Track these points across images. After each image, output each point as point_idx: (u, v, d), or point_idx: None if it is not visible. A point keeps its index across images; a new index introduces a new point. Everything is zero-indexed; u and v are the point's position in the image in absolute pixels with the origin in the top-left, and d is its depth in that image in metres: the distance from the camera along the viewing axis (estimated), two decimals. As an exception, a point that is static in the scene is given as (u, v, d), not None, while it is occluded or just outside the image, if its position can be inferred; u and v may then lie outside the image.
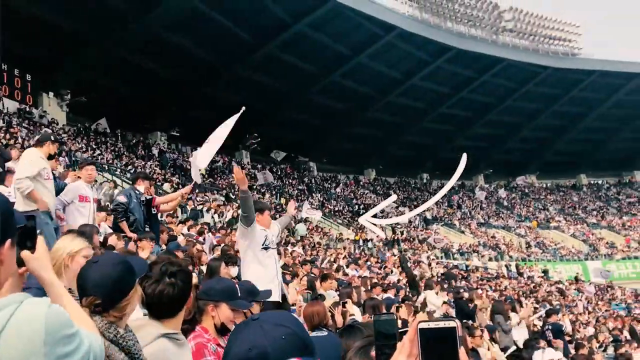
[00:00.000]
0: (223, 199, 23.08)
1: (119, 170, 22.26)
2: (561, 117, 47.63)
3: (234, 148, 38.40)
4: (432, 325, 0.85)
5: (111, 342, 1.88)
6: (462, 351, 0.83)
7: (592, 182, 56.06)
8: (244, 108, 7.22)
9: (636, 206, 50.98)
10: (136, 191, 7.14)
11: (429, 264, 22.95)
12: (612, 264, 38.39)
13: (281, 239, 13.42)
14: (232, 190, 27.46)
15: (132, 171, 21.60)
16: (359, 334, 2.05)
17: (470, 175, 52.01)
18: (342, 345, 1.95)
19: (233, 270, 7.16)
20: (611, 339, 15.91)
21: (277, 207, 27.98)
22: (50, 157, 5.96)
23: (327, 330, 4.27)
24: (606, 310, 24.03)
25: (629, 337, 16.94)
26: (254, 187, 31.10)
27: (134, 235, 6.63)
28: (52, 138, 6.19)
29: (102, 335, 1.85)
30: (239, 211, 5.47)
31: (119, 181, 18.94)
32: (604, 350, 13.49)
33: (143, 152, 28.43)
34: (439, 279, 17.00)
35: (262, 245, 5.25)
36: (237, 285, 3.27)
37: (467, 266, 28.04)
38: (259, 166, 37.35)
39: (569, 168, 53.59)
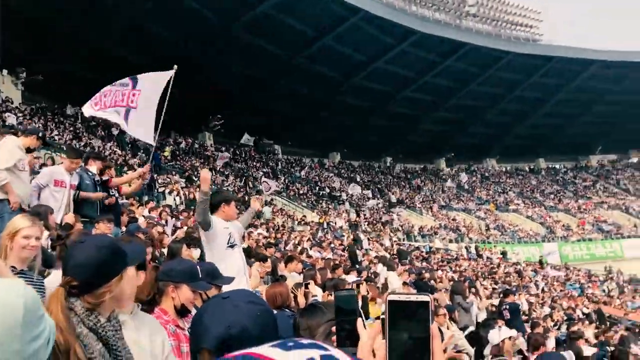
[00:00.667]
0: (185, 180, 22.80)
1: (77, 151, 21.69)
2: (522, 102, 48.48)
3: (197, 130, 37.91)
4: (402, 298, 0.81)
5: (90, 330, 1.80)
6: (434, 326, 0.80)
7: (550, 166, 57.52)
8: (175, 67, 7.03)
9: (591, 190, 52.60)
10: (88, 172, 6.91)
11: (392, 246, 23.23)
12: (568, 245, 39.65)
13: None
14: (195, 173, 27.16)
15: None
16: (320, 313, 2.04)
17: (432, 158, 52.68)
18: (304, 325, 1.95)
19: (195, 253, 7.09)
20: (565, 317, 16.46)
21: (240, 190, 27.84)
22: (28, 150, 5.96)
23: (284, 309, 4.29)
24: (561, 291, 24.84)
25: (581, 316, 17.57)
26: (217, 169, 30.84)
27: (101, 195, 6.65)
28: (40, 135, 6.26)
29: (81, 323, 1.79)
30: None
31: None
32: (558, 329, 13.94)
33: (103, 132, 27.78)
34: (393, 257, 17.32)
35: (227, 244, 5.04)
36: (198, 267, 3.24)
37: (430, 247, 28.52)
38: (223, 148, 36.99)
39: (528, 152, 54.82)
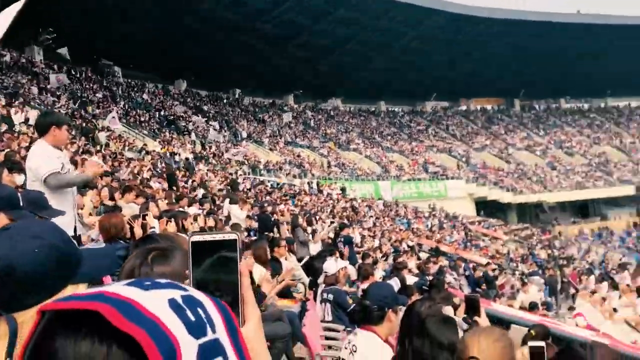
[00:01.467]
0: (5, 98, 20.45)
1: None
2: (368, 45, 50.00)
3: (25, 43, 33.94)
4: (207, 238, 0.76)
5: None
6: (242, 264, 0.76)
7: (389, 109, 60.85)
8: None
9: (424, 133, 56.86)
10: None
11: (236, 179, 23.23)
12: (399, 184, 42.78)
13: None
14: (21, 90, 24.59)
15: None
16: (154, 243, 1.95)
17: (281, 94, 52.96)
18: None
19: (18, 179, 6.46)
20: (392, 249, 17.91)
21: (75, 113, 25.73)
22: None
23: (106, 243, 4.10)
24: (390, 225, 26.91)
25: (407, 248, 19.23)
26: (48, 89, 28.14)
27: None
28: None
29: None
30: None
31: None
32: (386, 260, 15.11)
33: None
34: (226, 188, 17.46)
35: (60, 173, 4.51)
36: (19, 194, 2.92)
37: (278, 183, 29.03)
38: (55, 66, 33.63)
39: (371, 94, 57.34)
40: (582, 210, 53.50)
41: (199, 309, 0.55)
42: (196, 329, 0.53)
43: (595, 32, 53.55)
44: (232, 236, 0.75)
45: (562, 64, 56.38)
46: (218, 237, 0.75)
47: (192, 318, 0.53)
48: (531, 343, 2.26)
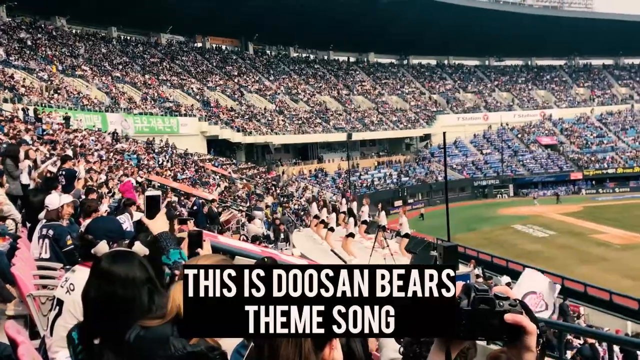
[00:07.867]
0: None
1: None
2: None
3: None
4: None
5: None
6: None
7: (121, 36, 57.07)
8: None
9: (158, 67, 54.89)
10: None
11: None
12: (131, 117, 40.89)
13: None
14: None
15: None
16: None
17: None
18: None
19: None
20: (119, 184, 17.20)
21: None
22: None
23: None
24: (118, 160, 25.70)
25: (135, 185, 18.67)
26: None
27: None
28: None
29: None
30: None
31: None
32: (112, 196, 14.46)
33: None
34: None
35: None
36: None
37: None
38: None
39: (102, 19, 52.97)
40: (303, 152, 58.67)
41: None
42: None
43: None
44: None
45: (293, 14, 59.44)
46: None
47: None
48: (147, 193, 2.47)
